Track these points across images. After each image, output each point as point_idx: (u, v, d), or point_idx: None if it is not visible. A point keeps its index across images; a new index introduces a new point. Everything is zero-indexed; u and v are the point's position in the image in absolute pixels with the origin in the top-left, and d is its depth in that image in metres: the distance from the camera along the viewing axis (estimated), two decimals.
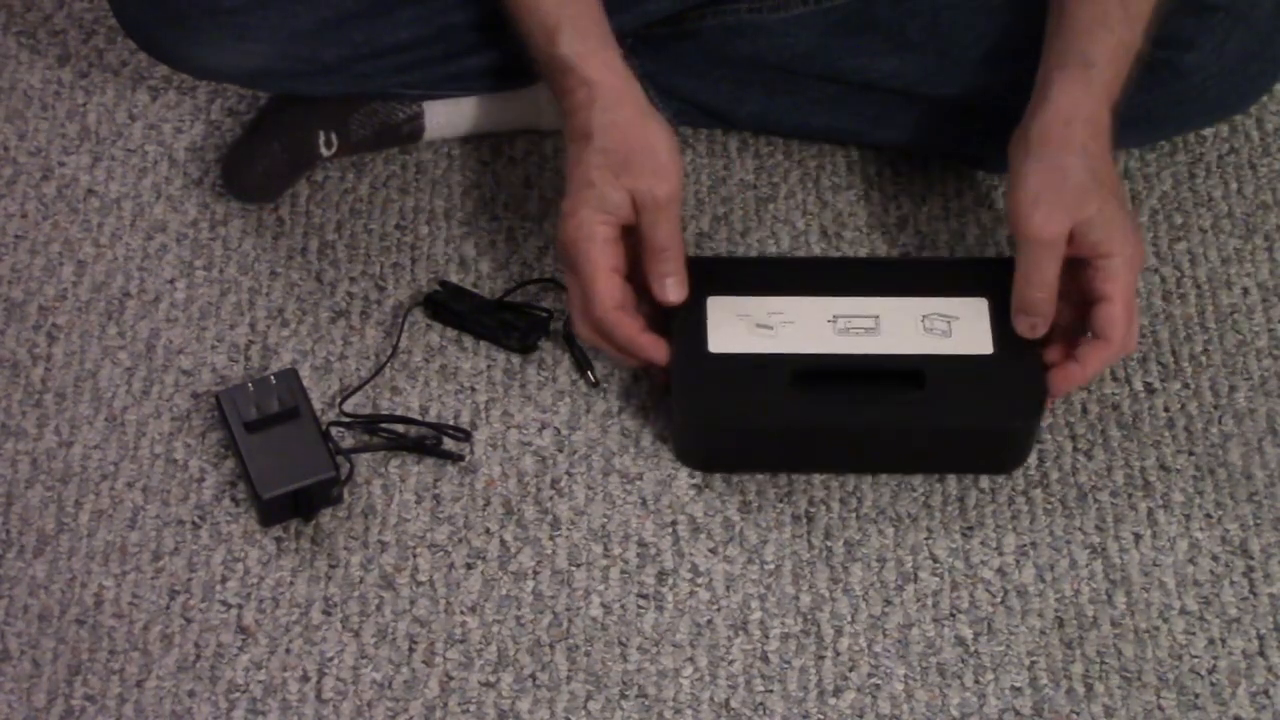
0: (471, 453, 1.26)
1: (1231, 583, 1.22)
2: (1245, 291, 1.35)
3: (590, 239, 1.19)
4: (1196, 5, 1.27)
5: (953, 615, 1.21)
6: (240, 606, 1.20)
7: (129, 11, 1.29)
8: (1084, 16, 1.20)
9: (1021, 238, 1.19)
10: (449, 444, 1.26)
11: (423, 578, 1.22)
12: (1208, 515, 1.25)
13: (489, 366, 1.30)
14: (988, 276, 1.25)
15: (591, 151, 1.20)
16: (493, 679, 1.18)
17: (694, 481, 1.26)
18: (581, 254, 1.20)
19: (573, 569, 1.22)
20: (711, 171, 1.40)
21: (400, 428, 1.27)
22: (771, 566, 1.22)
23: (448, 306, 1.31)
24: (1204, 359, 1.32)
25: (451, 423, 1.27)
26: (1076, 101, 1.19)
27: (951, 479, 1.26)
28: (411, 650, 1.19)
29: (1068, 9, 1.21)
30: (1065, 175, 1.18)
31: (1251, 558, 1.24)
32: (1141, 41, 1.21)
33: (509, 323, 1.30)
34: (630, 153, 1.20)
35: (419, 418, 1.27)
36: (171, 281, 1.34)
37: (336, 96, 1.34)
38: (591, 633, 1.20)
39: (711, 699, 1.18)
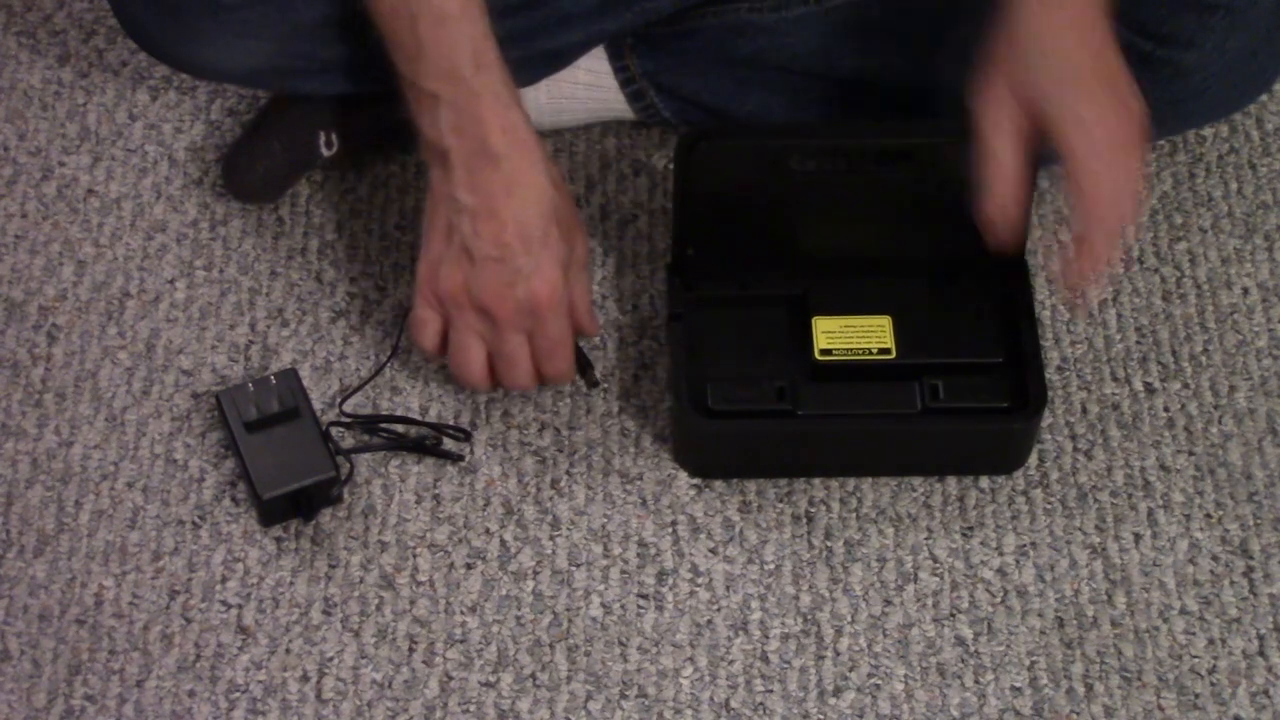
0: (471, 452, 1.26)
1: (1231, 583, 1.22)
2: (1245, 291, 1.35)
3: (563, 303, 1.20)
4: (1196, 4, 1.26)
5: (953, 615, 1.21)
6: (240, 606, 1.20)
7: (129, 11, 1.29)
8: None
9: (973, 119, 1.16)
10: (449, 444, 1.26)
11: (423, 578, 1.22)
12: (1208, 515, 1.25)
13: None
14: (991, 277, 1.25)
15: (558, 201, 1.19)
16: (493, 679, 1.18)
17: (694, 481, 1.26)
18: (561, 315, 1.20)
19: (573, 569, 1.22)
20: None
21: (400, 428, 1.27)
22: (771, 566, 1.23)
23: None
24: (1204, 359, 1.32)
25: (452, 423, 1.27)
26: None
27: (951, 479, 1.26)
28: (411, 650, 1.19)
29: None
30: (1006, 45, 1.13)
31: (1251, 558, 1.24)
32: None
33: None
34: (568, 213, 1.21)
35: (419, 417, 1.27)
36: (171, 281, 1.34)
37: (337, 96, 1.34)
38: (591, 633, 1.20)
39: (711, 699, 1.18)
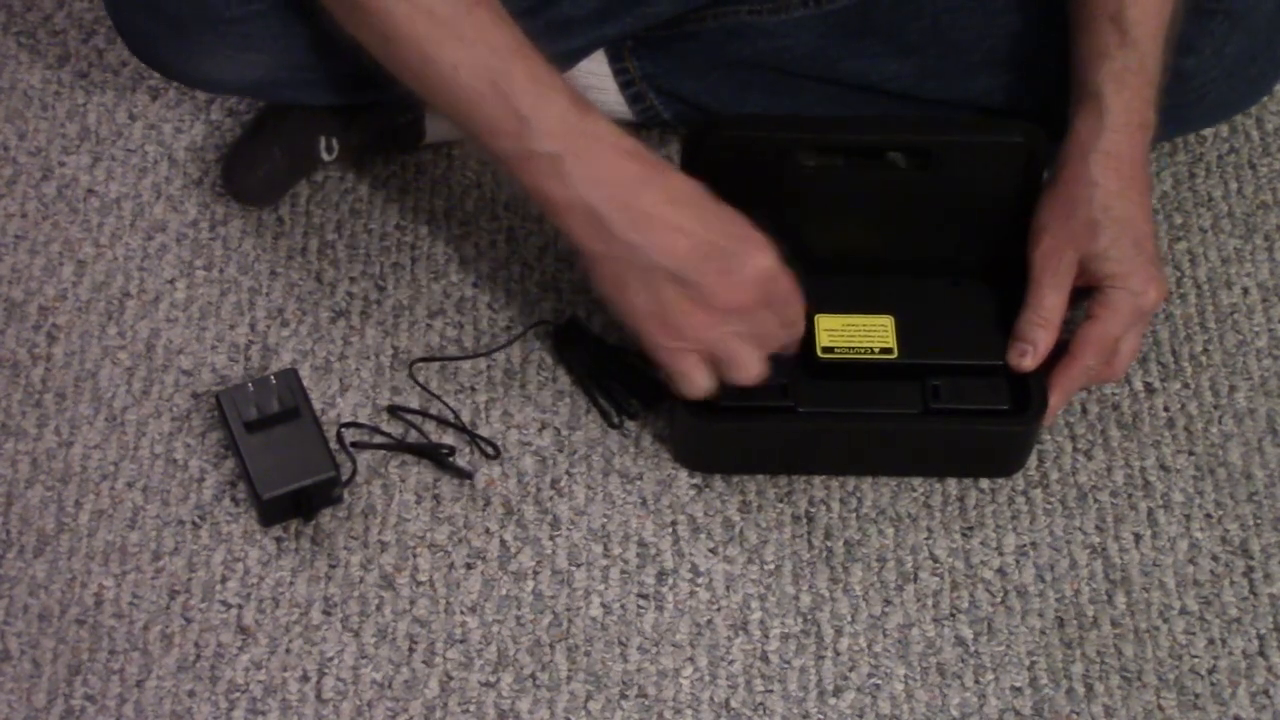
0: (499, 459, 1.26)
1: (1231, 583, 1.22)
2: (1245, 291, 1.35)
3: (776, 254, 1.15)
4: (1195, 9, 1.27)
5: (953, 615, 1.21)
6: (240, 606, 1.20)
7: (129, 22, 1.28)
8: (1083, 50, 1.22)
9: (1028, 265, 1.21)
10: (465, 456, 1.26)
11: (423, 578, 1.22)
12: (1208, 515, 1.25)
13: (489, 366, 1.30)
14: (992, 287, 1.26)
15: (698, 183, 1.16)
16: (493, 679, 1.18)
17: (694, 481, 1.26)
18: (782, 267, 1.15)
19: (573, 569, 1.22)
20: None
21: (413, 435, 1.26)
22: (771, 566, 1.22)
23: (570, 343, 1.30)
24: (1204, 359, 1.32)
25: (482, 434, 1.27)
26: (1090, 135, 1.20)
27: (951, 479, 1.26)
28: (411, 650, 1.19)
29: (1071, 44, 1.23)
30: (1074, 208, 1.20)
31: (1251, 558, 1.24)
32: (1156, 58, 1.21)
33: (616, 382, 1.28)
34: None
35: (454, 419, 1.27)
36: (171, 281, 1.34)
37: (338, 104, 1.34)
38: (591, 633, 1.20)
39: (711, 699, 1.18)
